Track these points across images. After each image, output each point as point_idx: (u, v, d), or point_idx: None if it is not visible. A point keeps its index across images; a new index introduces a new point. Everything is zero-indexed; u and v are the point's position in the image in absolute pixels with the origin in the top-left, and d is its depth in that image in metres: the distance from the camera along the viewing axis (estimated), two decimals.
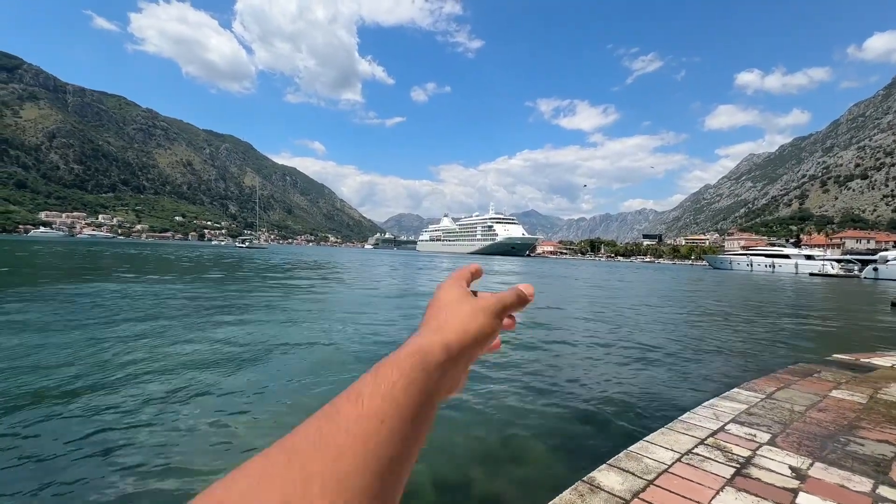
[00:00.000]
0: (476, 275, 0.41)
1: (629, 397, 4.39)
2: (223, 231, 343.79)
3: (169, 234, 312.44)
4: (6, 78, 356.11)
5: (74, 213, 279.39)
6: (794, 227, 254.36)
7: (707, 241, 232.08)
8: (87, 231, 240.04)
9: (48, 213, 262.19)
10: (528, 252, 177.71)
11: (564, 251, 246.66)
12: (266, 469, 0.18)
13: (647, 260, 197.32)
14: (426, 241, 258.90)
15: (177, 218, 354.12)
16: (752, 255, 79.16)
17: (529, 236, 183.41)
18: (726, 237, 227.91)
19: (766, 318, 11.55)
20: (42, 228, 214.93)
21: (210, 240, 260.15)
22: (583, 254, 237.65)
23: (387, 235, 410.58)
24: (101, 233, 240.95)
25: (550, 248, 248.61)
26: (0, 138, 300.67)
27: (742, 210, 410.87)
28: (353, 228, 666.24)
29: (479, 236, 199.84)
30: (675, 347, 6.96)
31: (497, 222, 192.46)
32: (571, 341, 7.12)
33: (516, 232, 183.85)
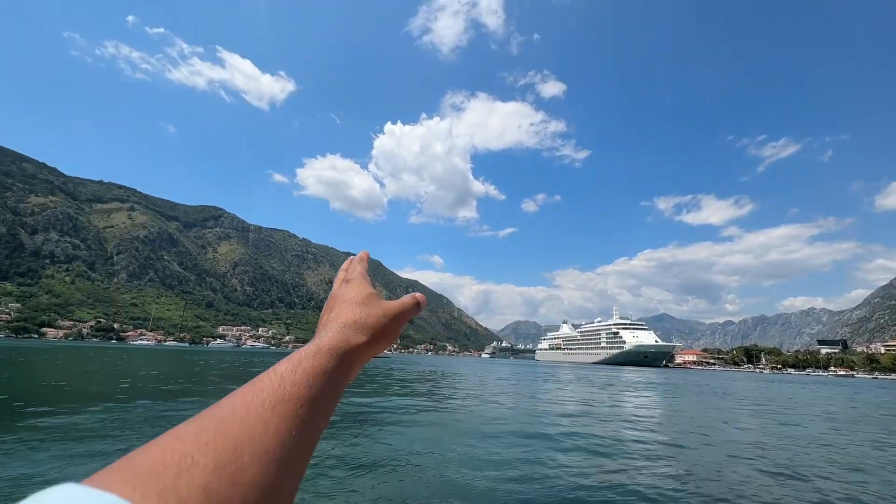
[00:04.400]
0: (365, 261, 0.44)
1: None
2: None
3: None
4: (213, 224, 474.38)
5: (242, 327, 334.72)
6: None
7: None
8: (250, 342, 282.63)
9: (224, 327, 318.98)
10: (664, 362, 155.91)
11: (712, 360, 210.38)
12: (199, 435, 0.20)
13: (841, 373, 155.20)
14: (545, 349, 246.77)
15: None
16: None
17: (664, 343, 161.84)
18: None
19: None
20: (218, 340, 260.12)
21: None
22: (736, 364, 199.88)
23: (503, 344, 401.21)
24: (260, 343, 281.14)
25: (693, 357, 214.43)
26: (202, 269, 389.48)
27: None
28: (469, 337, 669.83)
29: (603, 344, 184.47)
30: None
31: (623, 328, 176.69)
32: (738, 491, 5.64)
33: (648, 338, 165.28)
